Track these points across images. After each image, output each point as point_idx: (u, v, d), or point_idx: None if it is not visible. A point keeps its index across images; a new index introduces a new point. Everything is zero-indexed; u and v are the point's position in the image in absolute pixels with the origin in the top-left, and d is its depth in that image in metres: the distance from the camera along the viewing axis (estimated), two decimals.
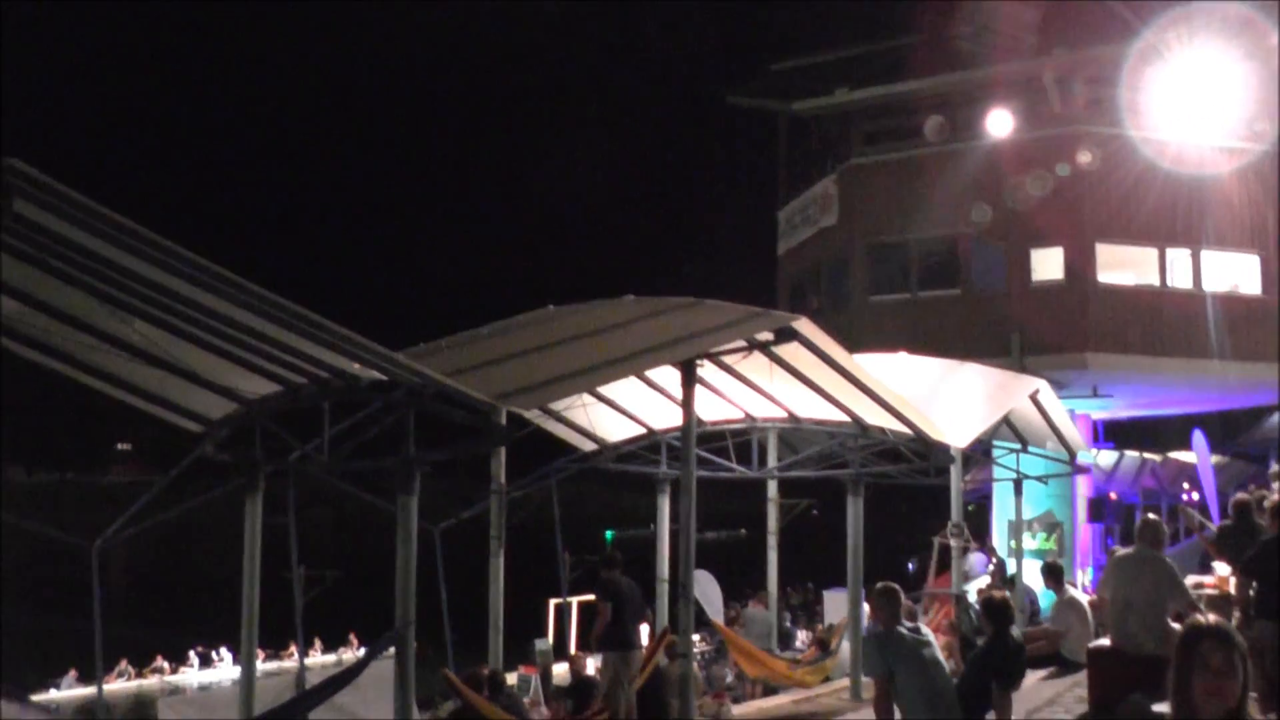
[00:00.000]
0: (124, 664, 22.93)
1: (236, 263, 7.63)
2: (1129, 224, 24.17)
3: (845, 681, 15.33)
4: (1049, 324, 23.80)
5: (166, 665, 22.87)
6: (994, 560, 20.34)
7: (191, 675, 21.57)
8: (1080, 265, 24.19)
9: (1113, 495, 32.50)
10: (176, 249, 7.15)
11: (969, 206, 24.16)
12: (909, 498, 25.87)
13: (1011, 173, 24.02)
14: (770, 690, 16.51)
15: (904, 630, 8.21)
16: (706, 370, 13.57)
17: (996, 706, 9.15)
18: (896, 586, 8.66)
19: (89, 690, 19.22)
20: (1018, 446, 19.08)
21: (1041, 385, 17.84)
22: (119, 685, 24.36)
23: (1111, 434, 32.45)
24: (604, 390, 14.60)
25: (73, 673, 24.63)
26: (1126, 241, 24.50)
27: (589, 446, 16.81)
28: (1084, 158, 23.40)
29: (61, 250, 6.98)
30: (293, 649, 15.08)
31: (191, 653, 22.68)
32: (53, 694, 27.45)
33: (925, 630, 8.57)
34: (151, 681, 21.11)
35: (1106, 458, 30.45)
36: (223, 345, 9.28)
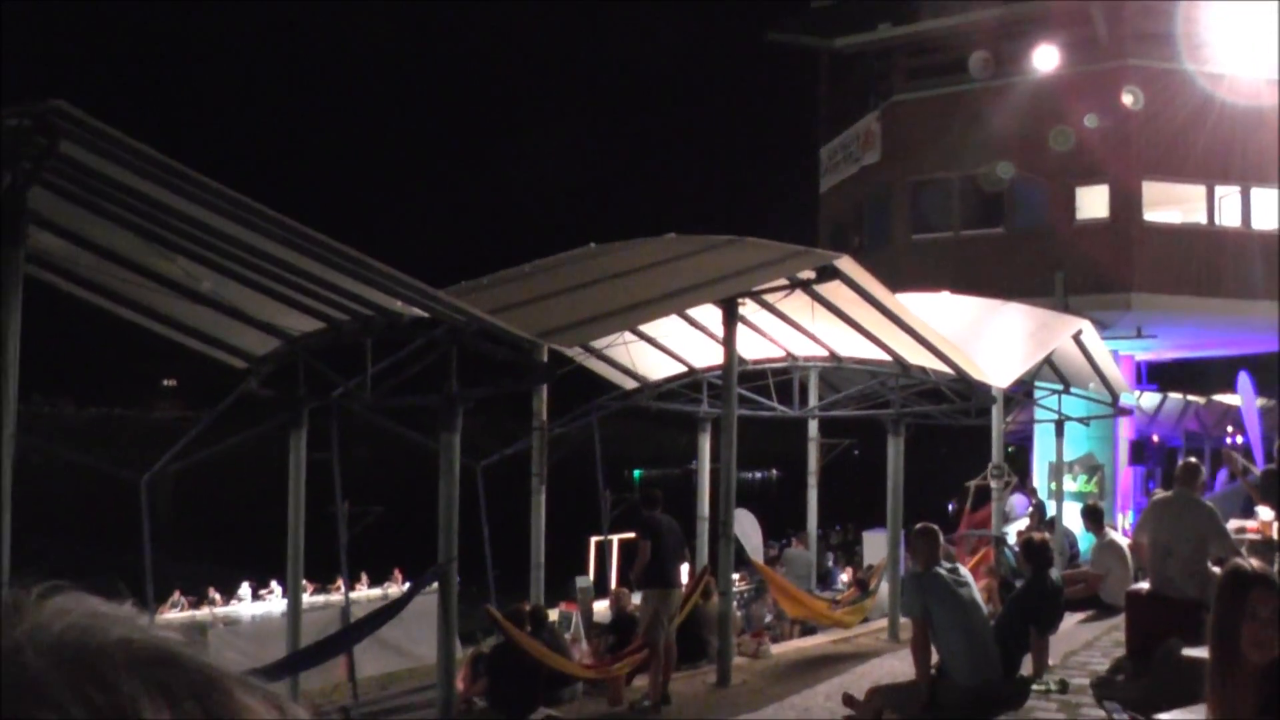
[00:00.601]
0: (177, 595, 23.34)
1: (279, 201, 7.69)
2: (1177, 160, 23.73)
3: (883, 622, 15.39)
4: (1093, 263, 23.53)
5: (219, 597, 23.24)
6: (1034, 502, 20.29)
7: (244, 607, 21.95)
8: (1126, 203, 23.87)
9: (1155, 438, 32.22)
10: (219, 188, 7.21)
11: (1007, 149, 23.85)
12: (950, 440, 25.77)
13: (1059, 108, 23.68)
14: (809, 630, 16.60)
15: (942, 571, 8.21)
16: (748, 309, 13.57)
17: (1033, 649, 9.17)
18: (935, 527, 8.66)
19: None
20: (1060, 387, 18.98)
21: (1084, 325, 17.71)
22: (172, 616, 24.78)
23: (1155, 376, 32.13)
24: (645, 328, 14.62)
25: (128, 604, 25.00)
26: (1174, 179, 24.09)
27: (630, 384, 16.87)
28: (1128, 98, 22.99)
29: (107, 190, 7.05)
30: (339, 583, 15.34)
31: (245, 584, 23.11)
32: None
33: (963, 571, 8.57)
34: (204, 613, 21.48)
35: (1149, 400, 30.13)
36: (266, 283, 9.38)
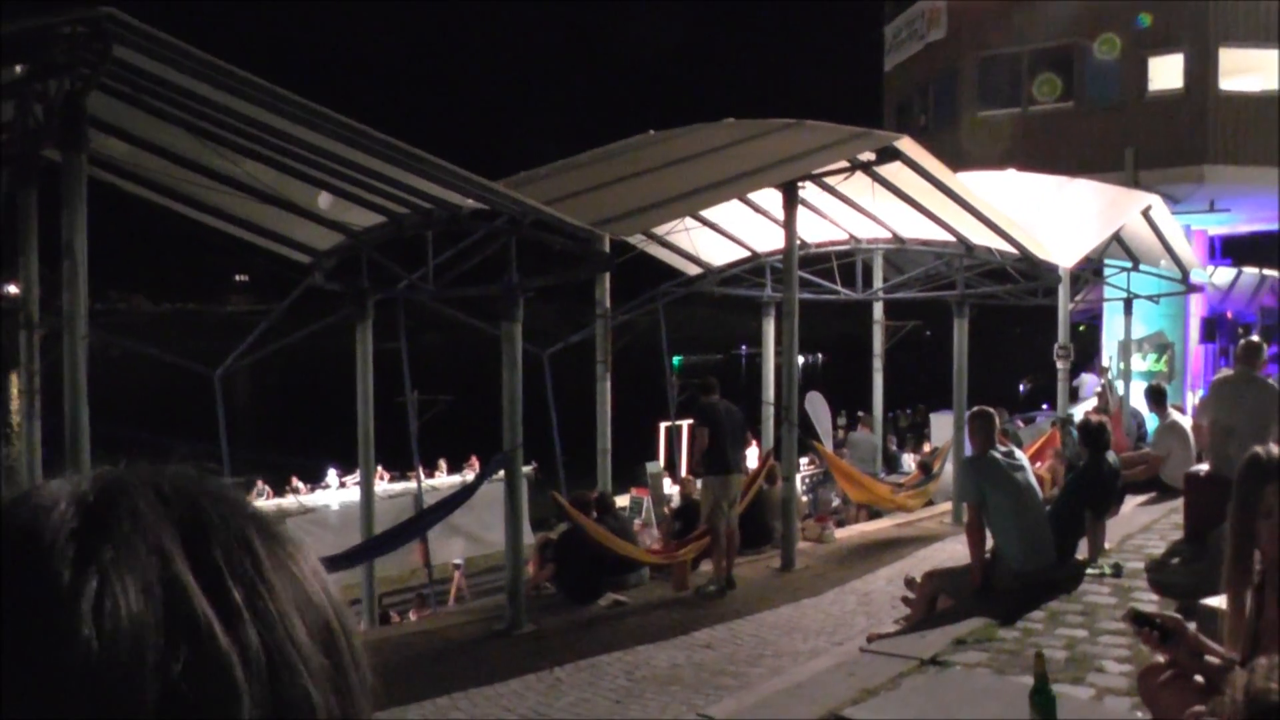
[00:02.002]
0: (261, 484, 23.87)
1: (337, 100, 7.78)
2: (1257, 24, 22.91)
3: (947, 505, 15.45)
4: (1165, 136, 22.95)
5: (303, 486, 23.76)
6: (1103, 382, 20.12)
7: (331, 495, 22.40)
8: (1201, 72, 23.16)
9: (1229, 314, 31.64)
10: (276, 89, 7.30)
11: (1077, 21, 23.18)
12: (1020, 319, 25.59)
13: None
14: (874, 514, 16.71)
15: (997, 454, 8.21)
16: (809, 192, 13.52)
17: (1089, 532, 9.13)
18: (991, 410, 8.65)
19: None
20: (1129, 265, 18.73)
21: (1154, 201, 17.40)
22: (258, 504, 25.21)
23: (1229, 250, 31.40)
24: (707, 214, 14.62)
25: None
26: (1253, 44, 23.28)
27: (693, 270, 16.91)
28: None
29: (164, 93, 7.17)
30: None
31: (331, 471, 23.63)
32: None
33: (1019, 455, 8.56)
34: (289, 500, 21.98)
35: (1223, 275, 29.48)
36: (327, 179, 9.51)
